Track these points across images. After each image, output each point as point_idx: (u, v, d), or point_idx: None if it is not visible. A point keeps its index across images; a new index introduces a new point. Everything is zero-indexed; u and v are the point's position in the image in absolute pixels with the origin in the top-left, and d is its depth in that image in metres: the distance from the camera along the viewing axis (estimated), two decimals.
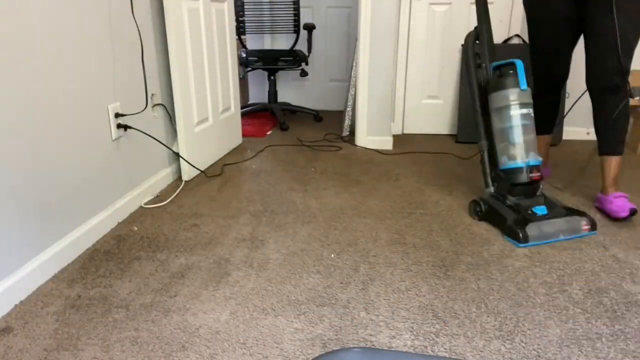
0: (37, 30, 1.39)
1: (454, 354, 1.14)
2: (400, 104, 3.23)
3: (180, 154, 2.25)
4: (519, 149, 1.77)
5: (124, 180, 1.89)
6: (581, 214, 1.76)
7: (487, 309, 1.31)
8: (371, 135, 2.90)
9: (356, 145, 2.93)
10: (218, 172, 2.45)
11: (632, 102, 2.82)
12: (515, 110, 1.77)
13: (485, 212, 1.83)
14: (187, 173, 2.30)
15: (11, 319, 1.27)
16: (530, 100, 1.80)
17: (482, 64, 1.90)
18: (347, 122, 3.16)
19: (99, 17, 1.68)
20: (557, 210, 1.76)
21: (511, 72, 1.79)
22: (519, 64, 1.78)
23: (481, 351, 1.15)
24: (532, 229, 1.66)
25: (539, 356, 1.13)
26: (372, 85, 2.81)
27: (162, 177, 2.18)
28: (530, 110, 1.80)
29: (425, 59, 3.13)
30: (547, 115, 2.19)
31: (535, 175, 1.77)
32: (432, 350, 1.15)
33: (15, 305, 1.33)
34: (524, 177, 1.76)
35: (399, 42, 3.09)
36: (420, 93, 3.20)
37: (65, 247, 1.53)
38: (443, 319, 1.27)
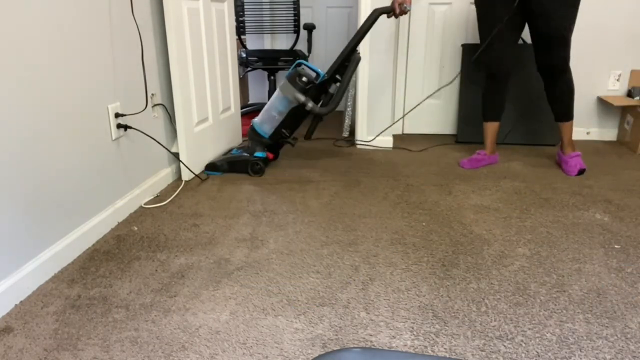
0: (37, 30, 1.39)
1: (454, 354, 1.14)
2: (400, 104, 3.23)
3: (180, 154, 2.25)
4: None
5: (124, 180, 1.89)
6: None
7: (487, 309, 1.31)
8: (371, 135, 2.90)
9: (356, 145, 2.93)
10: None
11: (632, 102, 2.82)
12: None
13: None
14: (187, 173, 2.30)
15: (11, 319, 1.27)
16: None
17: None
18: (347, 122, 3.16)
19: (99, 17, 1.68)
20: None
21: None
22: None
23: (481, 351, 1.15)
24: None
25: (539, 356, 1.13)
26: (372, 85, 2.81)
27: (162, 177, 2.18)
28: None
29: (425, 59, 3.13)
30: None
31: None
32: (432, 350, 1.15)
33: (15, 305, 1.33)
34: None
35: (399, 42, 3.09)
36: (420, 93, 3.20)
37: (65, 247, 1.53)
38: (443, 319, 1.27)
